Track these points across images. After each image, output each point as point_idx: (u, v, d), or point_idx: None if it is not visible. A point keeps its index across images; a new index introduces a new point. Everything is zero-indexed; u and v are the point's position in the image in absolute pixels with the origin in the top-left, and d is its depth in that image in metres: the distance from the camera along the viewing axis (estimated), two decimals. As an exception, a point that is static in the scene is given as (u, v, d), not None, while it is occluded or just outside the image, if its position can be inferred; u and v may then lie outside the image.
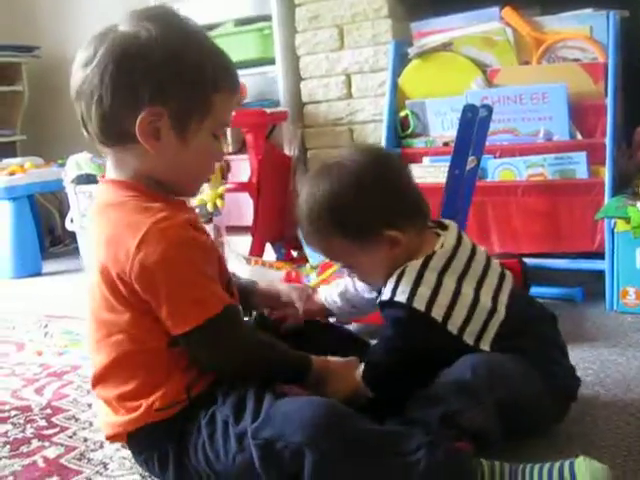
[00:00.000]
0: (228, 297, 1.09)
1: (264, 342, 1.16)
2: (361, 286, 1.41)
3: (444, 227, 1.26)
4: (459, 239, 1.24)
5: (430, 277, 1.17)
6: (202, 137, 1.09)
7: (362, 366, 1.20)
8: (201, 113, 1.08)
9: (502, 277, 1.24)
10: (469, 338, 1.16)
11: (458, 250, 1.22)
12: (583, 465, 0.96)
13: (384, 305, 1.20)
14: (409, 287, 1.16)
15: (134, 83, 1.03)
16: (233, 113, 1.18)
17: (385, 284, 1.21)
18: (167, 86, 1.04)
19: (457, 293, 1.17)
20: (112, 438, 1.17)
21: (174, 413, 1.09)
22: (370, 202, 1.18)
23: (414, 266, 1.18)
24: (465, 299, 1.17)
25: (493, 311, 1.18)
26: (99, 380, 1.15)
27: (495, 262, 1.27)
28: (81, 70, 1.07)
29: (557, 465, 0.98)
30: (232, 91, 1.12)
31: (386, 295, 1.18)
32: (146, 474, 1.18)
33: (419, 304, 1.15)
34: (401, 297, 1.16)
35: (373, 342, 1.33)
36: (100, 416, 1.22)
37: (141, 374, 1.10)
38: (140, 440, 1.13)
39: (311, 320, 1.43)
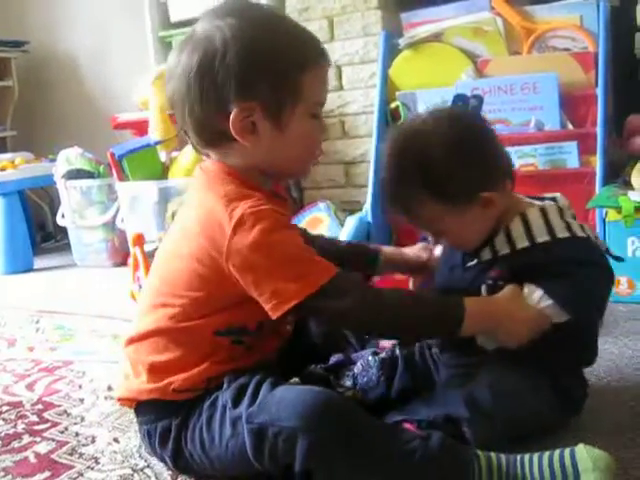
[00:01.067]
0: (334, 266, 1.06)
1: (386, 297, 1.08)
2: None
3: (542, 199, 1.21)
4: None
5: (568, 214, 1.14)
6: (299, 121, 1.08)
7: (535, 290, 1.10)
8: (292, 98, 1.06)
9: None
10: None
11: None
12: (584, 452, 0.96)
13: (539, 250, 1.10)
14: (561, 221, 1.11)
15: (218, 85, 1.04)
16: (326, 86, 1.13)
17: (478, 244, 1.16)
18: (251, 80, 1.04)
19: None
20: (123, 400, 1.20)
21: (187, 398, 1.10)
22: (467, 165, 1.11)
23: (551, 205, 1.14)
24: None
25: None
26: (135, 341, 1.17)
27: None
28: (170, 81, 1.09)
29: (557, 453, 0.97)
30: (319, 67, 1.09)
31: (540, 236, 1.10)
32: (138, 468, 1.17)
33: (579, 231, 1.11)
34: (563, 233, 1.10)
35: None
36: (119, 377, 1.25)
37: (176, 352, 1.11)
38: (148, 411, 1.14)
39: None
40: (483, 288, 1.13)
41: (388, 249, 1.42)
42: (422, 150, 1.11)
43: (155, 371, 1.13)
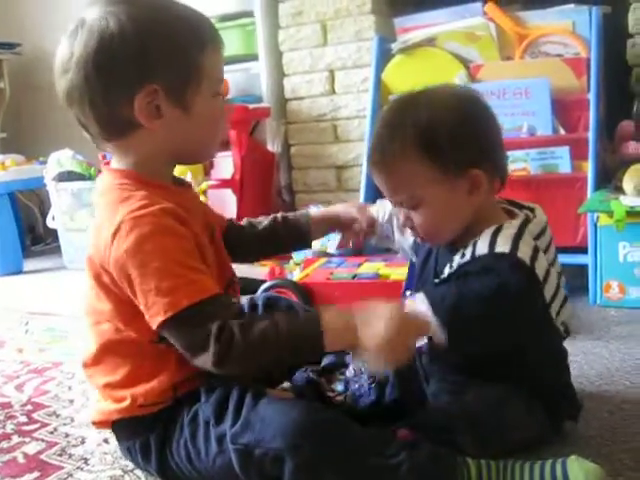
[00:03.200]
0: (212, 286, 1.01)
1: (250, 326, 0.99)
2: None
3: (519, 206, 1.17)
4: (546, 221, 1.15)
5: (529, 239, 1.06)
6: (203, 101, 1.07)
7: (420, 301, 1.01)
8: (194, 78, 1.05)
9: (560, 274, 1.16)
10: (553, 312, 1.09)
11: (547, 228, 1.14)
12: (576, 465, 0.94)
13: (476, 260, 1.05)
14: (510, 240, 1.03)
15: (119, 72, 1.02)
16: (223, 66, 1.12)
17: (448, 239, 1.12)
18: (151, 63, 1.02)
19: (548, 267, 1.08)
20: (98, 424, 1.17)
21: (158, 410, 1.09)
22: (465, 133, 1.06)
23: (513, 225, 1.07)
24: (552, 275, 1.08)
25: (563, 304, 1.13)
26: (88, 366, 1.15)
27: (558, 259, 1.18)
28: (63, 76, 1.05)
29: (548, 464, 0.96)
30: (216, 46, 1.09)
31: (481, 250, 1.05)
32: (128, 469, 1.17)
33: (524, 256, 1.02)
34: (503, 248, 1.03)
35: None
36: (92, 400, 1.24)
37: (126, 366, 1.09)
38: (123, 429, 1.12)
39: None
40: None
41: (316, 211, 1.40)
42: (425, 108, 1.07)
43: (115, 391, 1.11)
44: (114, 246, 1.00)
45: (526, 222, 1.09)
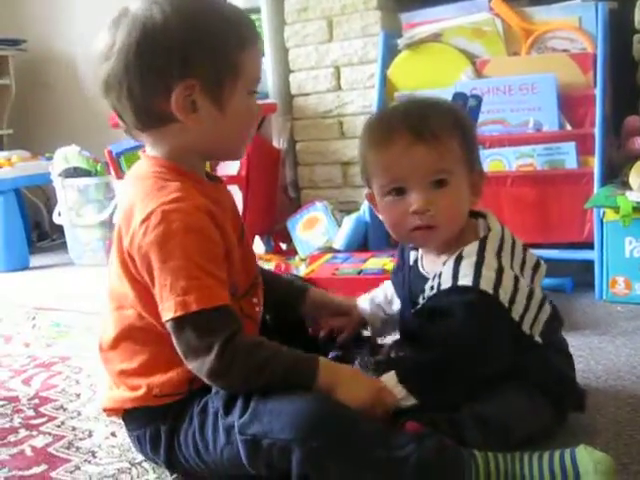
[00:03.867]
0: (225, 296, 1.01)
1: (255, 348, 1.02)
2: (391, 293, 1.34)
3: (476, 214, 1.19)
4: (502, 225, 1.17)
5: (490, 259, 1.09)
6: (238, 98, 1.08)
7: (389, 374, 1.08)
8: (233, 75, 1.06)
9: (536, 267, 1.19)
10: (526, 326, 1.11)
11: (504, 234, 1.15)
12: (585, 454, 0.94)
13: (440, 295, 1.10)
14: (472, 269, 1.07)
15: (160, 64, 1.02)
16: (261, 65, 1.15)
17: (449, 234, 1.14)
18: (192, 57, 1.03)
19: (517, 278, 1.10)
20: (109, 411, 1.18)
21: (172, 401, 1.09)
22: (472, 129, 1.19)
23: (471, 249, 1.10)
24: (523, 286, 1.10)
25: (543, 303, 1.14)
26: (105, 350, 1.15)
27: (530, 251, 1.19)
28: (104, 63, 1.06)
29: (557, 454, 0.96)
30: (255, 45, 1.10)
31: (445, 283, 1.09)
32: (135, 462, 1.17)
33: (486, 286, 1.06)
34: (465, 280, 1.07)
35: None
36: (102, 387, 1.23)
37: (145, 354, 1.09)
38: (134, 418, 1.13)
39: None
40: None
41: (317, 291, 1.37)
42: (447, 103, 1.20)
43: (131, 379, 1.11)
44: (141, 234, 1.01)
45: (484, 242, 1.12)
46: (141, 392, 1.09)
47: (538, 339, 1.12)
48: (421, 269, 1.20)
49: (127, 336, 1.10)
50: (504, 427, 1.03)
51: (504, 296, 1.07)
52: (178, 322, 0.99)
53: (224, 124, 1.08)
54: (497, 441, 1.01)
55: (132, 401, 1.11)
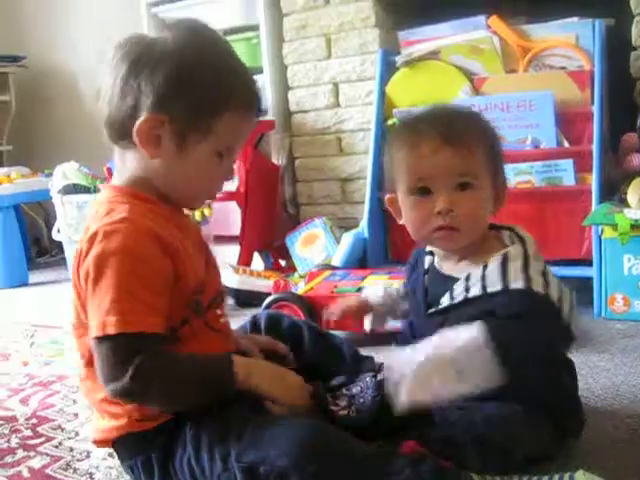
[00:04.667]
0: (149, 323, 1.00)
1: (171, 365, 1.03)
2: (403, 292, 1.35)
3: (500, 227, 1.19)
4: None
5: (534, 263, 1.09)
6: (202, 153, 1.08)
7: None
8: (203, 130, 1.06)
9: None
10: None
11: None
12: (584, 478, 0.94)
13: (490, 297, 1.08)
14: (521, 273, 1.06)
15: (140, 88, 1.04)
16: (246, 134, 1.14)
17: (470, 239, 1.14)
18: (172, 96, 1.04)
19: (561, 285, 1.09)
20: (99, 443, 1.16)
21: (157, 425, 1.08)
22: (499, 145, 1.19)
23: (516, 252, 1.10)
24: (566, 295, 1.10)
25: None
26: (83, 379, 1.15)
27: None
28: (102, 69, 1.09)
29: (556, 478, 0.96)
30: (243, 114, 1.09)
31: (493, 285, 1.07)
32: (133, 483, 1.16)
33: (538, 287, 1.05)
34: (518, 284, 1.06)
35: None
36: (92, 418, 1.22)
37: None
38: (124, 447, 1.11)
39: (315, 332, 1.37)
40: None
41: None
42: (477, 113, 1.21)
43: (110, 406, 1.09)
44: (83, 254, 1.03)
45: (524, 246, 1.11)
46: (123, 420, 1.08)
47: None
48: (442, 270, 1.19)
49: (93, 363, 1.07)
50: (503, 449, 1.02)
51: (554, 293, 1.07)
52: (97, 342, 1.00)
53: (181, 171, 1.09)
54: (496, 463, 1.00)
55: (117, 430, 1.10)
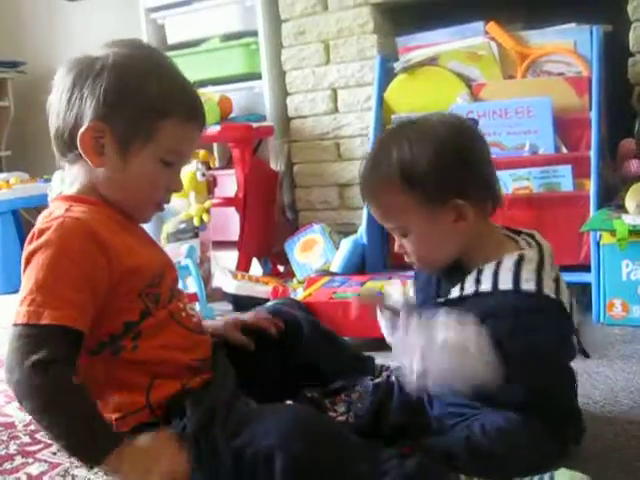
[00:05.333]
0: (58, 317, 1.00)
1: (67, 389, 1.00)
2: None
3: (516, 232, 1.18)
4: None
5: (548, 268, 1.08)
6: (145, 161, 1.10)
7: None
8: (144, 137, 1.09)
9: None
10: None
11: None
12: (565, 476, 0.95)
13: (500, 295, 1.06)
14: (534, 275, 1.05)
15: (82, 99, 1.07)
16: (189, 143, 1.16)
17: (442, 265, 1.14)
18: (111, 104, 1.06)
19: (572, 296, 1.10)
20: None
21: (141, 423, 1.08)
22: (445, 165, 1.08)
23: (532, 255, 1.09)
24: (575, 306, 1.11)
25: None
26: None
27: None
28: (50, 94, 1.14)
29: (536, 478, 0.96)
30: (186, 122, 1.11)
31: (504, 284, 1.06)
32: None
33: (549, 291, 1.04)
34: (529, 285, 1.05)
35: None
36: None
37: (88, 383, 1.06)
38: None
39: (315, 329, 1.36)
40: None
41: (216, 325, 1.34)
42: (408, 141, 1.10)
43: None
44: (25, 249, 1.06)
45: (541, 251, 1.11)
46: (113, 423, 1.08)
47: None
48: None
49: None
50: (501, 460, 1.01)
51: (565, 300, 1.07)
52: (13, 331, 1.02)
53: (123, 178, 1.11)
54: (494, 473, 1.00)
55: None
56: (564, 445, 1.11)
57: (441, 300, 1.14)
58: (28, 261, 1.04)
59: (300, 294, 2.00)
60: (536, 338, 1.02)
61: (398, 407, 1.19)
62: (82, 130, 1.07)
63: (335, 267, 2.27)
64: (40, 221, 1.10)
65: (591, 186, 1.96)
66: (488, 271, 1.09)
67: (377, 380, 1.25)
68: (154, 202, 1.17)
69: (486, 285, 1.08)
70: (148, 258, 1.14)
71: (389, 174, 1.10)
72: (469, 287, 1.10)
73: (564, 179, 2.01)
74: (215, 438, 1.00)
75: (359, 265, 2.29)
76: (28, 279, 1.03)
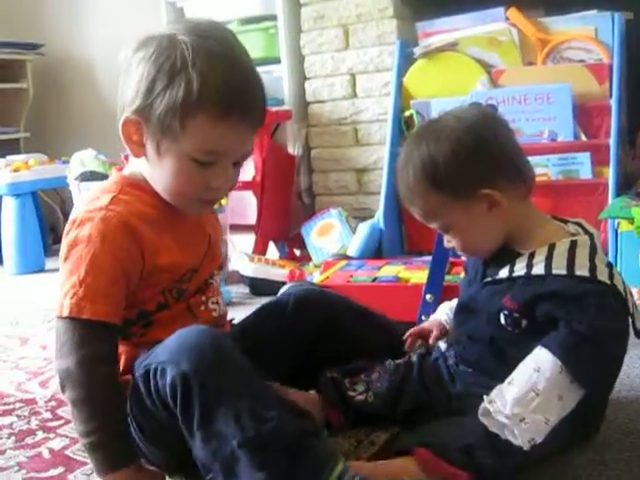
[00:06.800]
0: (98, 311, 1.03)
1: (108, 387, 1.03)
2: None
3: (565, 221, 1.17)
4: None
5: (602, 256, 1.09)
6: (175, 160, 1.05)
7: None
8: (172, 135, 1.03)
9: None
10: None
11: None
12: None
13: (554, 279, 1.06)
14: (587, 261, 1.06)
15: (125, 86, 1.06)
16: (226, 142, 1.05)
17: (489, 252, 1.15)
18: (151, 96, 1.02)
19: (624, 281, 1.09)
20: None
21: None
22: (466, 159, 1.09)
23: (584, 240, 1.09)
24: (629, 290, 1.10)
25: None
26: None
27: None
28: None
29: None
30: (217, 118, 1.01)
31: (558, 269, 1.06)
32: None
33: (603, 276, 1.04)
34: (583, 271, 1.05)
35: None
36: None
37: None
38: None
39: (345, 307, 1.35)
40: (502, 317, 1.10)
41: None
42: (431, 141, 1.11)
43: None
44: (64, 236, 1.08)
45: (592, 238, 1.11)
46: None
47: None
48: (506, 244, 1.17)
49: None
50: (518, 453, 0.99)
51: (619, 286, 1.06)
52: (56, 321, 1.05)
53: (160, 174, 1.09)
54: (510, 461, 1.00)
55: None
56: (586, 433, 1.12)
57: (488, 280, 1.15)
58: (70, 249, 1.05)
59: (316, 278, 2.01)
60: (593, 323, 1.02)
61: (417, 387, 1.21)
62: (122, 120, 1.06)
63: (352, 251, 2.28)
64: (86, 202, 1.10)
65: (610, 174, 1.96)
66: (540, 255, 1.09)
67: (398, 361, 1.26)
68: (194, 199, 1.10)
69: (539, 269, 1.08)
70: (182, 257, 1.13)
71: (416, 178, 1.12)
72: (519, 269, 1.10)
73: (583, 166, 2.01)
74: (135, 367, 1.04)
75: (376, 249, 2.30)
76: (71, 272, 1.04)
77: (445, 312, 1.34)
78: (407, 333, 1.34)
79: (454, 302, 1.32)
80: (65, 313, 1.02)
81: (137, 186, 1.12)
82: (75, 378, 1.01)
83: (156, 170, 1.08)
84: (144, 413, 1.03)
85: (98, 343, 1.03)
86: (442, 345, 1.27)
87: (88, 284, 1.03)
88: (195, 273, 1.15)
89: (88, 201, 1.10)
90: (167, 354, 0.97)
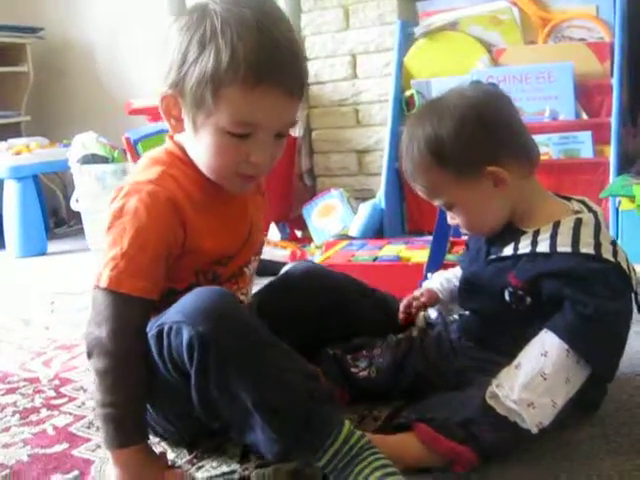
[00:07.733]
0: (137, 287, 1.02)
1: (138, 360, 1.03)
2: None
3: (568, 199, 1.18)
4: None
5: (606, 233, 1.09)
6: (211, 132, 1.02)
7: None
8: (205, 108, 1.00)
9: None
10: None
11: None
12: None
13: (558, 257, 1.06)
14: (592, 239, 1.06)
15: (166, 60, 1.03)
16: (263, 112, 1.00)
17: (494, 229, 1.15)
18: (184, 68, 1.00)
19: (628, 258, 1.10)
20: None
21: None
22: (468, 137, 1.09)
23: (588, 219, 1.09)
24: (632, 267, 1.10)
25: None
26: None
27: None
28: None
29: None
30: (248, 87, 0.97)
31: (563, 246, 1.06)
32: (155, 441, 1.17)
33: (607, 254, 1.05)
34: (588, 249, 1.05)
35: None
36: None
37: None
38: None
39: (348, 281, 1.36)
40: (506, 294, 1.11)
41: None
42: (435, 117, 1.11)
43: None
44: (111, 201, 1.07)
45: (596, 216, 1.11)
46: None
47: None
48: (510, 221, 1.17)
49: None
50: (517, 427, 1.01)
51: (623, 263, 1.07)
52: (94, 289, 1.04)
53: (198, 149, 1.07)
54: (508, 436, 1.01)
55: None
56: (585, 410, 1.12)
57: (493, 257, 1.16)
58: (114, 219, 1.04)
59: (318, 258, 2.02)
60: (598, 304, 1.02)
61: (419, 361, 1.22)
62: (161, 94, 1.04)
63: (353, 231, 2.28)
64: (137, 170, 1.10)
65: (611, 152, 1.96)
66: (545, 233, 1.09)
67: (400, 335, 1.27)
68: (234, 175, 1.07)
69: (544, 246, 1.08)
70: (222, 241, 1.12)
71: (421, 156, 1.12)
72: (524, 247, 1.11)
73: (584, 145, 2.01)
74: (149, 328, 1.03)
75: (377, 229, 2.30)
76: (114, 243, 1.03)
77: (439, 281, 1.35)
78: (401, 308, 1.35)
79: (449, 272, 1.34)
80: (104, 284, 1.02)
81: (185, 161, 1.10)
82: (104, 348, 1.01)
83: (195, 146, 1.07)
84: (152, 376, 1.03)
85: (133, 318, 1.03)
86: (433, 313, 1.28)
87: (130, 258, 1.02)
88: (231, 259, 1.14)
89: (139, 170, 1.10)
90: (183, 314, 0.97)
